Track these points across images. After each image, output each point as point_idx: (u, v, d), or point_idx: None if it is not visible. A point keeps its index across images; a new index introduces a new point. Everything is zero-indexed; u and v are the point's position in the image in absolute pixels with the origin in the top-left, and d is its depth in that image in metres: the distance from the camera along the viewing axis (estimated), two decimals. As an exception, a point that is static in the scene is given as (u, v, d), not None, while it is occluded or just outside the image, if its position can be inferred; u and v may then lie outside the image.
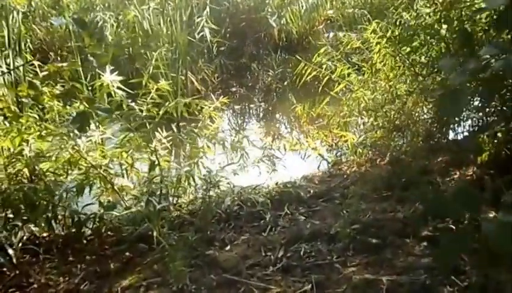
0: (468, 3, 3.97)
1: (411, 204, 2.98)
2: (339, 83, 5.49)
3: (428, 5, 4.57)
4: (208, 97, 6.62)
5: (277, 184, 3.85)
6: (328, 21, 8.50)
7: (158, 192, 3.14)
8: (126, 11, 7.08)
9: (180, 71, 6.21)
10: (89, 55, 2.72)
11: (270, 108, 6.56)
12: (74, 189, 3.06)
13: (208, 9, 6.76)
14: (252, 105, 6.76)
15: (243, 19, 7.82)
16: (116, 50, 3.87)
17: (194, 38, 6.64)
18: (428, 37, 3.99)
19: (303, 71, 5.62)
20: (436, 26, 4.09)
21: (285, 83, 7.15)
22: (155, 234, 2.68)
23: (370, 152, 4.11)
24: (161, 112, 3.40)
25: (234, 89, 7.11)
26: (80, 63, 3.64)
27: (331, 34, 8.22)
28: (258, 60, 7.85)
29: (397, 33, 4.52)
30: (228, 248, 2.73)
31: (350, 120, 4.65)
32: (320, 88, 5.61)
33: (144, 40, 6.41)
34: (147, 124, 3.21)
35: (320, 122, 5.57)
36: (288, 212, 3.19)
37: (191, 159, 3.58)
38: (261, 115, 6.44)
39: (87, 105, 2.61)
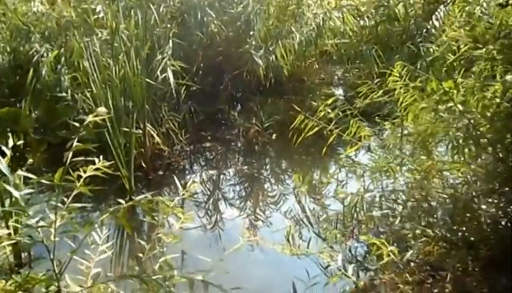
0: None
1: None
2: (351, 144, 4.37)
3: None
4: (172, 157, 5.40)
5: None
6: (324, 55, 7.38)
7: None
8: (71, 43, 5.80)
9: (136, 125, 4.94)
10: None
11: (255, 175, 5.28)
12: None
13: (170, 43, 5.50)
14: (230, 170, 5.48)
15: (220, 52, 6.60)
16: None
17: (156, 79, 5.37)
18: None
19: (302, 125, 4.48)
20: None
21: (273, 136, 5.92)
22: None
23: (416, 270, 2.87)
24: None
25: (208, 144, 5.85)
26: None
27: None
28: (239, 105, 6.63)
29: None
30: None
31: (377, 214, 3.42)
32: (324, 148, 4.48)
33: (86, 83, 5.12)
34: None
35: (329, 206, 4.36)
36: None
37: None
38: (244, 187, 5.15)
39: None
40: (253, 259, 3.71)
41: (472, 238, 2.78)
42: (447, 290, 2.70)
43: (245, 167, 5.41)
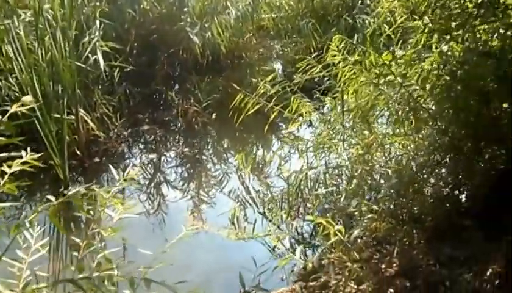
0: None
1: None
2: (293, 121, 4.32)
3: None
4: (109, 143, 5.18)
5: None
6: (261, 30, 7.27)
7: None
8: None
9: (67, 110, 4.69)
10: None
11: (197, 156, 5.16)
12: None
13: (98, 23, 5.24)
14: (171, 152, 5.33)
15: (153, 31, 6.37)
16: None
17: (86, 61, 5.11)
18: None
19: (242, 104, 4.40)
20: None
21: (213, 116, 5.79)
22: None
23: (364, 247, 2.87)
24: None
25: (146, 127, 5.65)
26: None
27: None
28: (176, 85, 6.44)
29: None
30: None
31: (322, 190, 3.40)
32: (266, 126, 4.42)
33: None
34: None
35: (274, 184, 4.31)
36: None
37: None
38: (186, 168, 5.03)
39: None
40: (198, 244, 3.59)
41: (417, 211, 2.81)
42: (394, 264, 2.72)
43: (186, 149, 5.27)
